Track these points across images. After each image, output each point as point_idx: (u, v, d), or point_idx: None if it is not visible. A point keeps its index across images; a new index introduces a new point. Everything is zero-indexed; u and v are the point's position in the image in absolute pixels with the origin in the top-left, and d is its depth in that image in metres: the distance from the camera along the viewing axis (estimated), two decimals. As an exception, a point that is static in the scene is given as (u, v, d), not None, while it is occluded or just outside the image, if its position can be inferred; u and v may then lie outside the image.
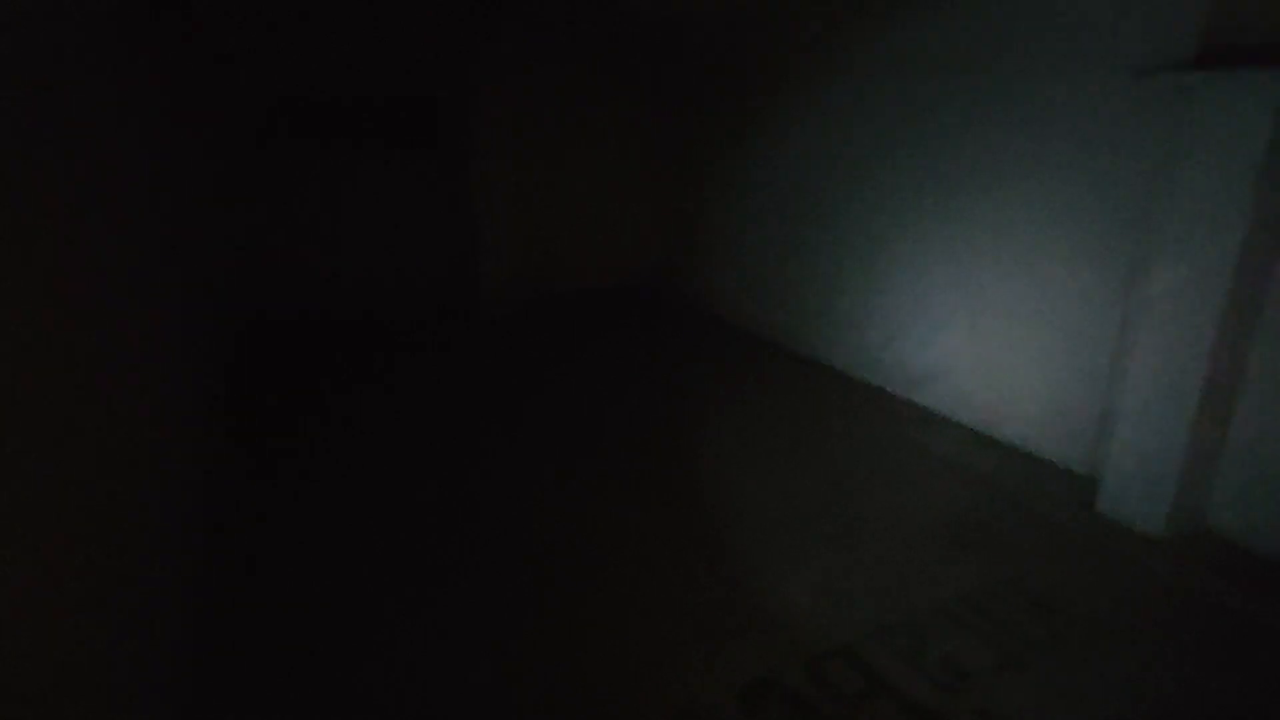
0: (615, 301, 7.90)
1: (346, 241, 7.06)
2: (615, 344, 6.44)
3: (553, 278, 8.06)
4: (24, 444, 1.32)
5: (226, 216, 6.40)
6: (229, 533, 3.43)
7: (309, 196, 6.81)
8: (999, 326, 4.45)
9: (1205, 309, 3.19)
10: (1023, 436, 4.36)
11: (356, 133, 6.88)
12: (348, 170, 6.90)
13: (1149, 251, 3.59)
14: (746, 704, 2.44)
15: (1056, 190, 4.03)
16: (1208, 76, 3.06)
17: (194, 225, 5.03)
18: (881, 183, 5.16)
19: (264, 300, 6.86)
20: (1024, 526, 3.56)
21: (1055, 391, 4.17)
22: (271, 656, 2.63)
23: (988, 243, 4.45)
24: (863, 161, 5.30)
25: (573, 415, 4.90)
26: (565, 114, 7.64)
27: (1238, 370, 3.31)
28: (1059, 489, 3.92)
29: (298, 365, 5.90)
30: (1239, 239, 3.06)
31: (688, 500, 3.79)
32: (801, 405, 5.11)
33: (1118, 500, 3.60)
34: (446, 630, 2.77)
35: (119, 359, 2.30)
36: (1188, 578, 3.16)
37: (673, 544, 3.39)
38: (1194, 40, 3.26)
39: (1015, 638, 2.78)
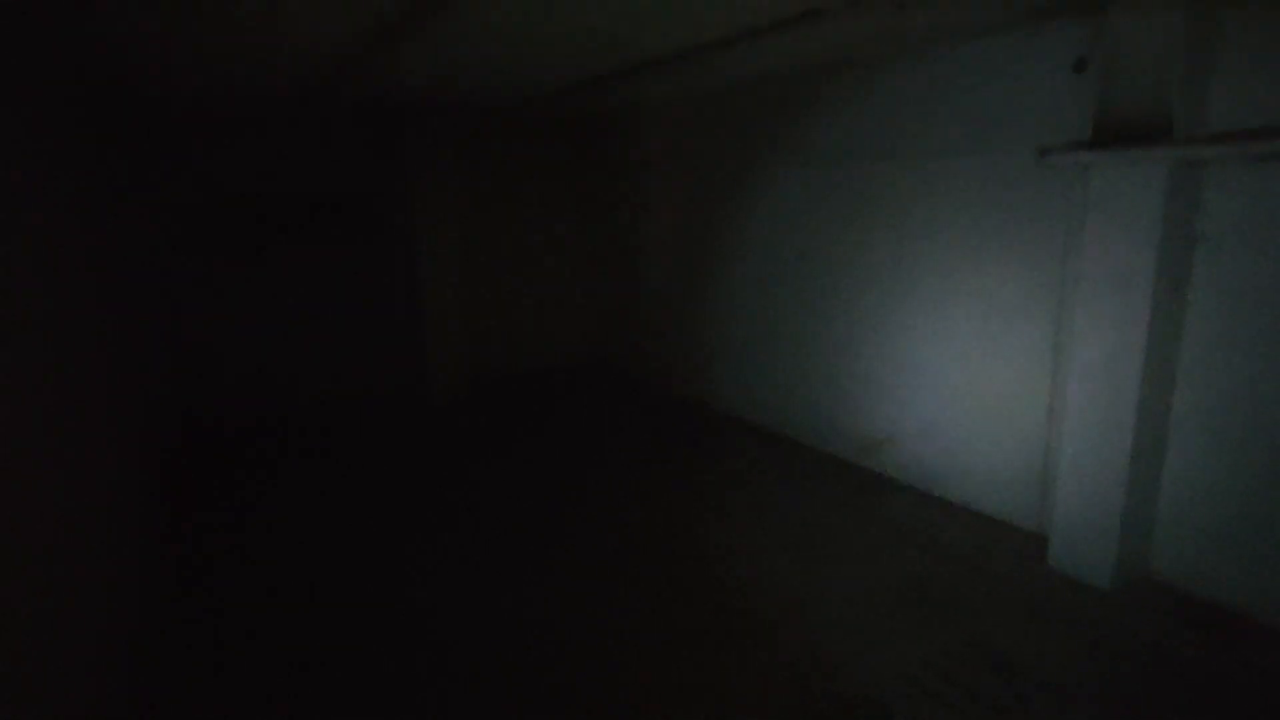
0: (563, 381, 7.89)
1: (288, 338, 6.93)
2: (566, 425, 6.41)
3: (501, 361, 8.03)
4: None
5: (161, 320, 6.23)
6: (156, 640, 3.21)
7: (247, 296, 6.70)
8: (940, 391, 4.60)
9: (1127, 364, 3.38)
10: (973, 497, 4.46)
11: (293, 231, 6.86)
12: (287, 268, 6.83)
13: (1070, 313, 3.80)
14: (719, 798, 2.34)
15: (987, 258, 4.26)
16: (1100, 155, 3.34)
17: (123, 330, 4.90)
18: (823, 262, 5.36)
19: (202, 403, 6.61)
20: (980, 587, 3.60)
21: (998, 452, 4.29)
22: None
23: (926, 313, 4.65)
24: (810, 243, 5.49)
25: (526, 499, 4.81)
26: (506, 199, 7.81)
27: (1164, 421, 3.49)
28: (1010, 547, 3.99)
29: (236, 467, 5.68)
30: (1148, 298, 3.27)
31: (648, 579, 3.72)
32: (756, 476, 5.12)
33: (1066, 555, 3.69)
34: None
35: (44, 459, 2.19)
36: (1139, 629, 3.23)
37: (639, 622, 3.30)
38: (1089, 124, 3.57)
39: (983, 705, 2.77)
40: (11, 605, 1.60)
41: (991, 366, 4.28)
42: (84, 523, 2.68)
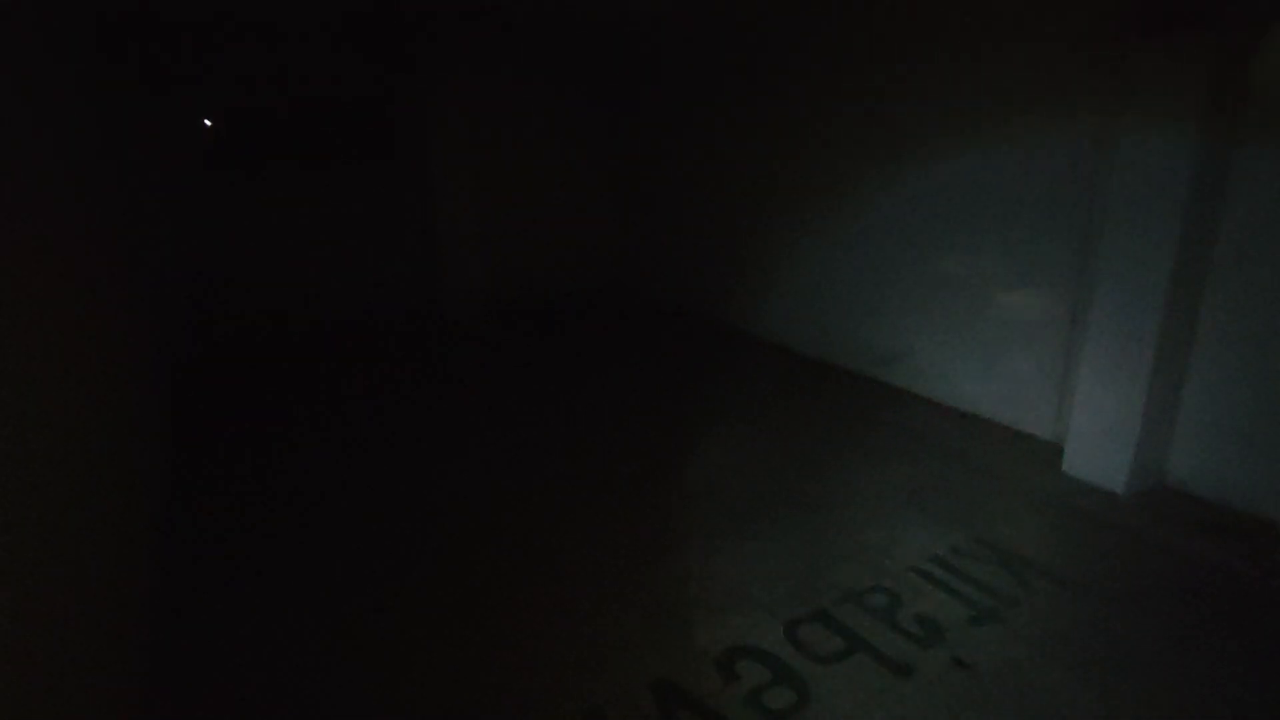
0: (583, 301, 7.88)
1: (308, 255, 6.94)
2: (584, 340, 6.43)
3: (520, 282, 8.02)
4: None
5: (180, 235, 6.26)
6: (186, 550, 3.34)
7: (265, 212, 6.69)
8: (965, 305, 4.52)
9: (1154, 273, 3.27)
10: (992, 409, 4.43)
11: (305, 145, 6.77)
12: (298, 183, 6.80)
13: (1098, 225, 3.68)
14: (723, 670, 2.42)
15: (1013, 171, 4.12)
16: (1143, 43, 3.16)
17: (140, 245, 4.93)
18: (854, 182, 5.22)
19: (228, 316, 6.70)
20: (993, 491, 3.61)
21: (1019, 365, 4.24)
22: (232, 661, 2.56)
23: (951, 228, 4.53)
24: (840, 174, 5.34)
25: (552, 408, 4.87)
26: (527, 117, 7.64)
27: (1189, 331, 3.40)
28: (1026, 454, 3.98)
29: (267, 377, 5.79)
30: (1180, 203, 3.14)
31: (675, 483, 3.78)
32: (773, 389, 5.13)
33: (1082, 461, 3.67)
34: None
35: (71, 371, 2.23)
36: (1148, 529, 3.22)
37: (661, 522, 3.37)
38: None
39: (990, 595, 2.80)
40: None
41: (1018, 279, 4.19)
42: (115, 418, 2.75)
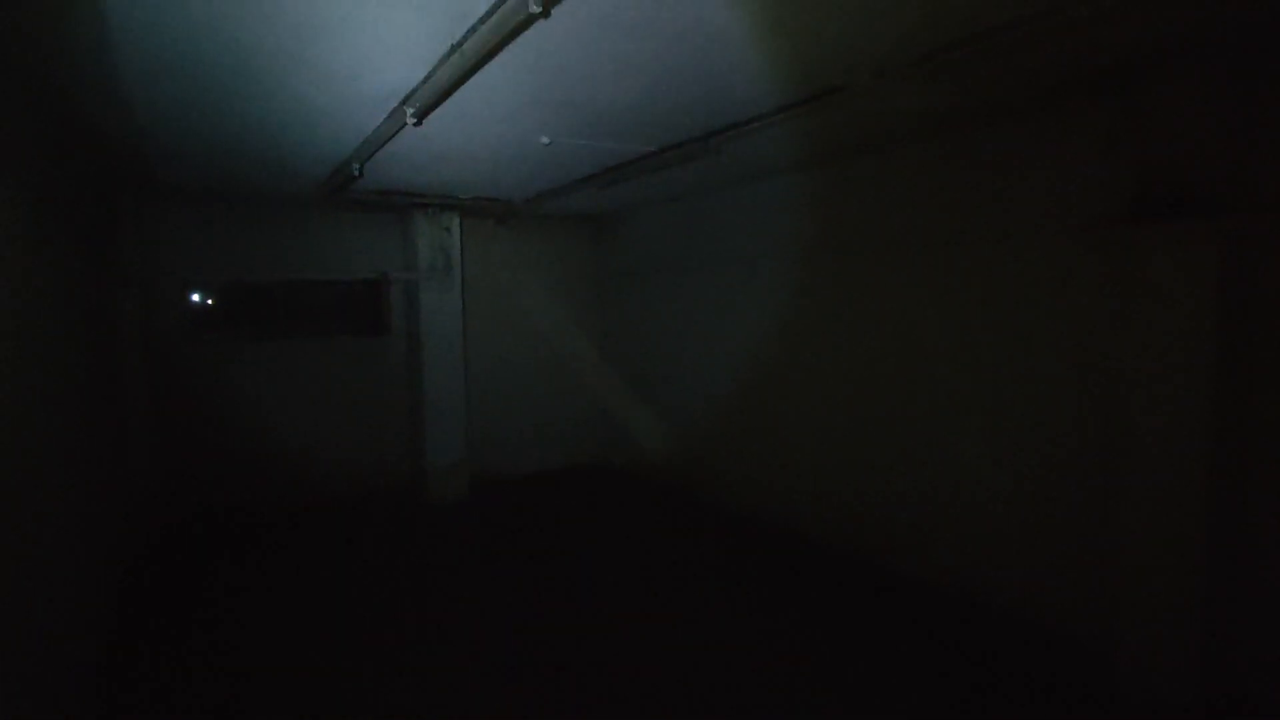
0: (567, 482, 7.53)
1: (290, 432, 6.66)
2: (563, 526, 6.02)
3: (502, 462, 7.71)
4: None
5: (156, 409, 5.99)
6: None
7: (248, 388, 6.50)
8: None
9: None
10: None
11: (300, 320, 6.77)
12: (292, 358, 6.68)
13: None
14: None
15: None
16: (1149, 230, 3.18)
17: (103, 421, 4.64)
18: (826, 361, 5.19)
19: (200, 494, 6.29)
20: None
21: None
22: None
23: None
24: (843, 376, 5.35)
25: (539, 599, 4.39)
26: (515, 294, 7.73)
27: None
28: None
29: (233, 559, 5.26)
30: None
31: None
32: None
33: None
34: None
35: None
36: None
37: None
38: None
39: None
40: None
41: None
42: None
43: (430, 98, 3.13)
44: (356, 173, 4.57)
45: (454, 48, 2.70)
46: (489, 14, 2.43)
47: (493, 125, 3.88)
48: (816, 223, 5.31)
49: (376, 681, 3.54)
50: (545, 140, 4.17)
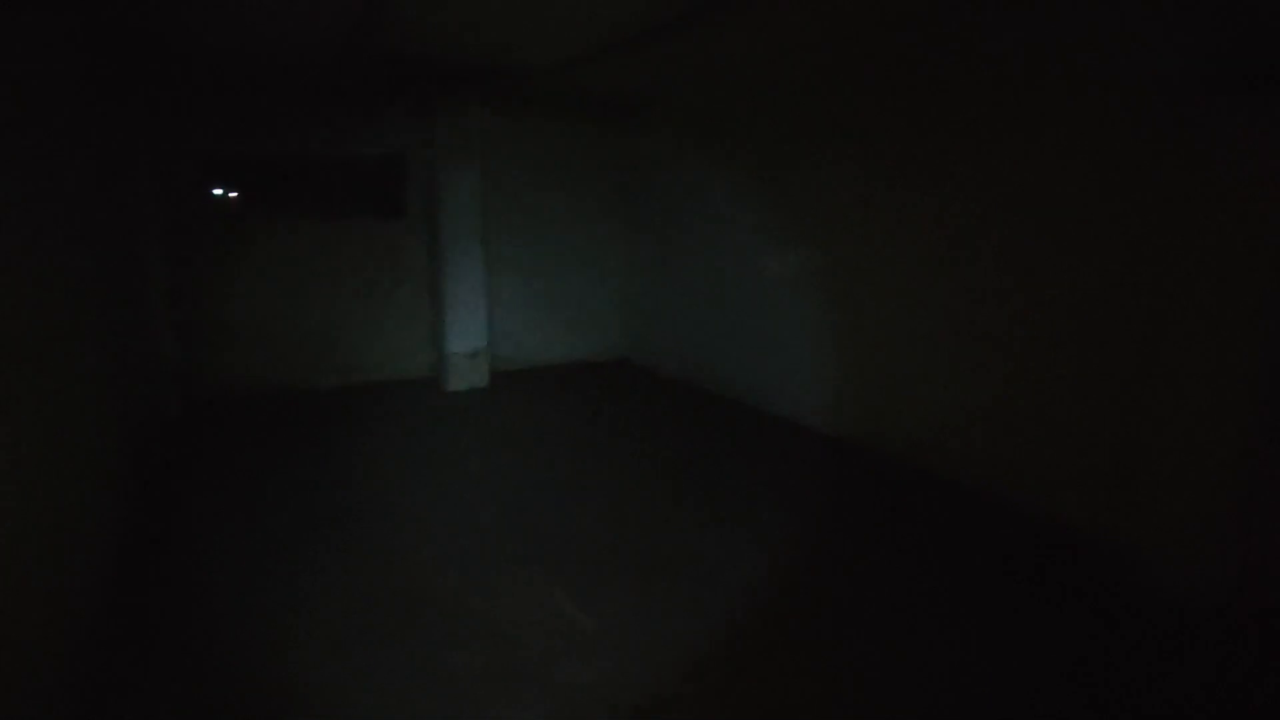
0: (586, 375, 7.44)
1: (308, 316, 6.58)
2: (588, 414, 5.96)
3: (533, 351, 7.61)
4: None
5: (176, 285, 5.89)
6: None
7: (266, 269, 6.38)
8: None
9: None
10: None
11: (319, 201, 6.57)
12: (310, 239, 6.51)
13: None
14: None
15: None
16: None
17: (126, 289, 4.54)
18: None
19: (219, 376, 6.29)
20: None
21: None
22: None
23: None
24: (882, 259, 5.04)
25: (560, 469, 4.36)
26: (536, 186, 7.41)
27: None
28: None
29: (246, 437, 5.28)
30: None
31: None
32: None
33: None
34: None
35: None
36: None
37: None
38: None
39: None
40: None
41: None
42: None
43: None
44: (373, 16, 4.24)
45: None
46: None
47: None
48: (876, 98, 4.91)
49: (374, 534, 3.55)
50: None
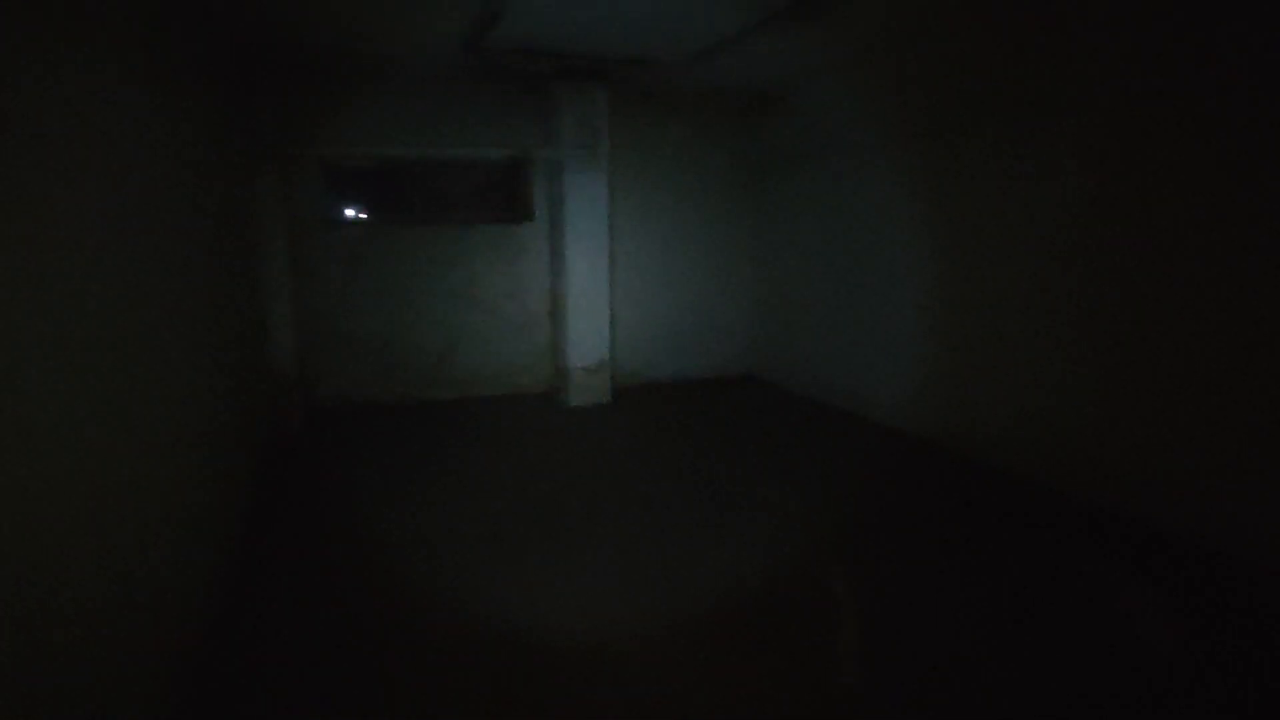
0: (715, 392, 6.84)
1: (427, 325, 6.35)
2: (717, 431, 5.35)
3: (648, 368, 7.10)
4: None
5: (295, 295, 5.77)
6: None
7: (386, 276, 6.19)
8: None
9: None
10: None
11: (440, 206, 6.35)
12: (431, 246, 6.28)
13: None
14: None
15: None
16: None
17: (243, 305, 4.36)
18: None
19: (338, 385, 6.13)
20: None
21: None
22: None
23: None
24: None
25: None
26: (660, 187, 6.92)
27: None
28: None
29: (364, 448, 5.02)
30: None
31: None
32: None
33: None
34: None
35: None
36: None
37: None
38: None
39: None
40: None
41: None
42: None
43: None
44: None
45: None
46: None
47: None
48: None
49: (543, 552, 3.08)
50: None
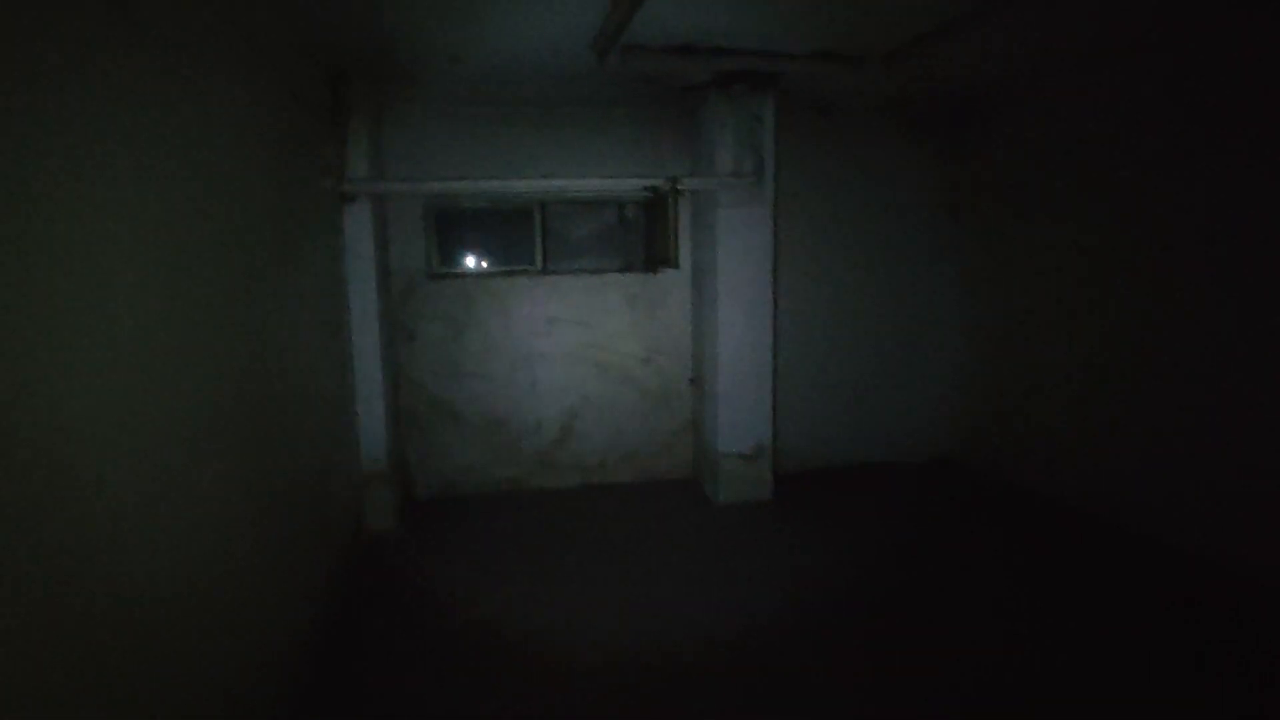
0: (907, 486, 5.22)
1: (540, 391, 5.21)
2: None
3: (828, 444, 5.60)
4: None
5: (387, 358, 4.79)
6: None
7: (497, 337, 5.12)
8: None
9: None
10: None
11: (560, 252, 5.25)
12: (550, 298, 5.18)
13: None
14: None
15: None
16: None
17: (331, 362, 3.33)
18: None
19: (438, 473, 5.08)
20: None
21: None
22: None
23: None
24: None
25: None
26: (847, 211, 5.49)
27: None
28: None
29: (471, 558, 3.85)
30: None
31: None
32: None
33: None
34: None
35: None
36: None
37: None
38: None
39: None
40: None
41: None
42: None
43: None
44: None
45: None
46: None
47: None
48: None
49: None
50: None
